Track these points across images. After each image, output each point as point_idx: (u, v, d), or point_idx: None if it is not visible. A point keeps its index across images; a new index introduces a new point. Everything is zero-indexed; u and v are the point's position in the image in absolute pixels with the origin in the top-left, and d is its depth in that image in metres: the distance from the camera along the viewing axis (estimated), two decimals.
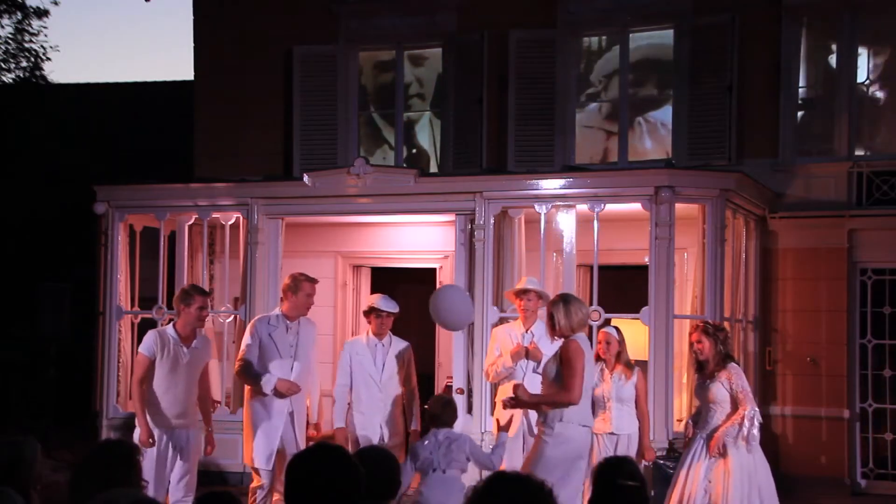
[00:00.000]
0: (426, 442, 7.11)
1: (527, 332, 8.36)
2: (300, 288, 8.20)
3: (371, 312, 8.39)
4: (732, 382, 7.45)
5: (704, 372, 7.65)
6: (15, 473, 4.61)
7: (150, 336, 7.89)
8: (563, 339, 7.06)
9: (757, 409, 7.49)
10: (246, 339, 8.29)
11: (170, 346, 7.78)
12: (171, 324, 7.98)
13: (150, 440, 7.66)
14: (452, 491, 6.90)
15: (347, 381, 8.38)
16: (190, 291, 7.97)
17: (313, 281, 8.34)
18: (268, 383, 8.04)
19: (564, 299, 7.12)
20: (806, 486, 11.08)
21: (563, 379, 6.90)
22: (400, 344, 8.51)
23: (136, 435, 7.72)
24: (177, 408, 7.80)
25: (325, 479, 3.68)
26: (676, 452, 8.32)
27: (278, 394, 8.06)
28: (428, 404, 7.63)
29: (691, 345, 7.80)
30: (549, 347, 7.77)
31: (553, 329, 7.08)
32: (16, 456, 4.70)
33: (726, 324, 10.28)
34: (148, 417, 7.74)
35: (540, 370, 7.63)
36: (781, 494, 7.73)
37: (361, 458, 4.22)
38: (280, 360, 8.13)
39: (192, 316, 7.84)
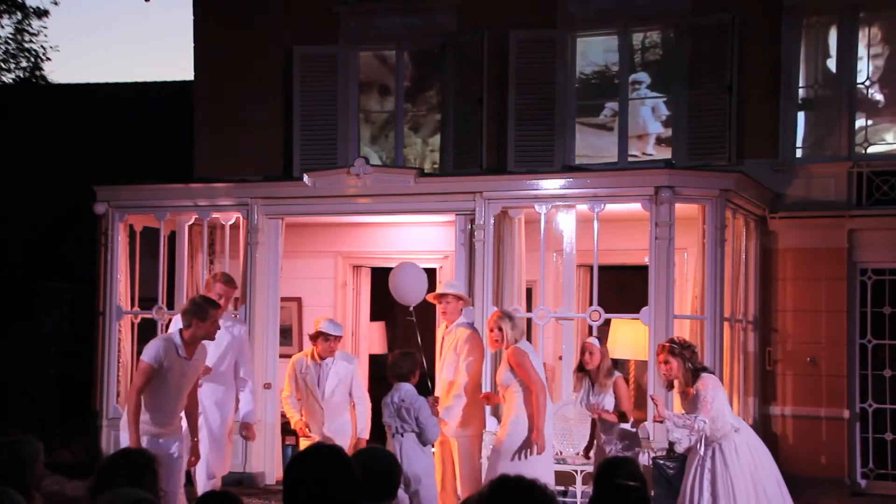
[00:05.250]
0: (384, 404, 7.65)
1: (448, 329, 8.95)
2: (214, 286, 8.44)
3: (319, 336, 8.44)
4: (702, 390, 7.44)
5: (675, 389, 7.74)
6: (16, 473, 4.61)
7: (157, 345, 7.47)
8: (506, 348, 8.06)
9: (707, 422, 7.42)
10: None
11: (173, 356, 7.42)
12: (178, 331, 7.55)
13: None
14: (411, 453, 7.45)
15: (292, 393, 8.62)
16: (205, 306, 7.57)
17: (231, 284, 8.57)
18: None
19: (509, 315, 8.19)
20: (806, 486, 11.06)
21: (523, 381, 7.91)
22: (343, 362, 8.65)
23: (124, 443, 7.46)
24: (167, 417, 7.49)
25: (322, 479, 3.69)
26: (675, 453, 8.33)
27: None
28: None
29: (658, 365, 7.84)
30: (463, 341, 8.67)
31: (500, 341, 8.07)
32: (17, 456, 4.70)
33: (726, 324, 10.31)
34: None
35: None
36: None
37: (361, 459, 4.23)
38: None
39: (203, 331, 7.50)
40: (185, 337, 7.44)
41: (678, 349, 7.63)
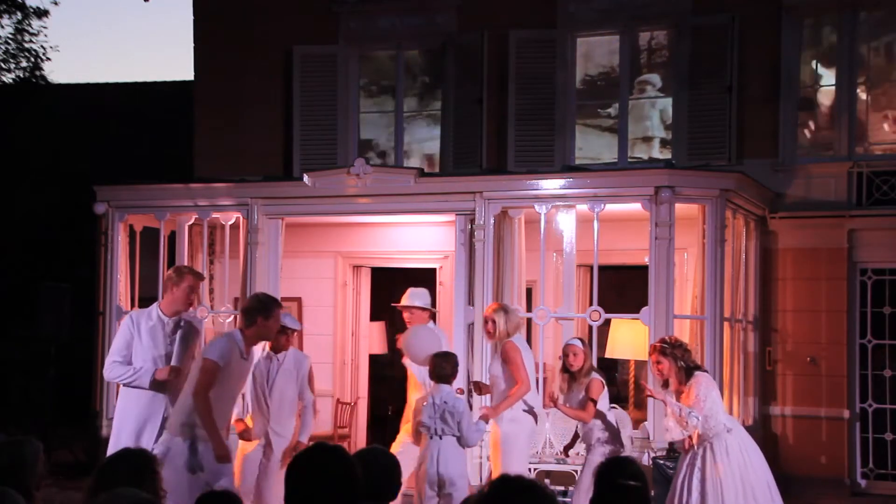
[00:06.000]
0: (426, 405, 7.55)
1: None
2: (184, 280, 7.45)
3: (280, 331, 7.96)
4: (695, 388, 7.44)
5: (670, 388, 7.71)
6: (17, 474, 4.61)
7: (223, 344, 6.93)
8: (500, 342, 8.22)
9: (700, 419, 7.38)
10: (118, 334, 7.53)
11: (236, 356, 6.95)
12: (238, 330, 7.07)
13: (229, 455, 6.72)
14: (449, 455, 7.44)
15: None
16: (269, 303, 7.15)
17: (200, 276, 7.80)
18: (143, 376, 7.25)
19: (504, 309, 8.33)
20: (806, 486, 11.09)
21: (511, 375, 8.06)
22: (296, 358, 8.25)
23: (203, 451, 6.74)
24: (222, 420, 6.96)
25: (324, 479, 3.69)
26: (676, 453, 8.33)
27: (157, 385, 7.19)
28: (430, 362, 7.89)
29: (651, 366, 7.81)
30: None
31: (492, 333, 8.22)
32: (17, 456, 4.70)
33: (726, 324, 10.31)
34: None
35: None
36: (781, 494, 7.72)
37: (362, 459, 4.23)
38: (154, 359, 7.34)
39: (268, 329, 7.12)
40: (248, 336, 7.00)
41: (669, 349, 7.63)
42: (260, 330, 7.01)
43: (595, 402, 7.90)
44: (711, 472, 7.39)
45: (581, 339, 8.38)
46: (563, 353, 8.23)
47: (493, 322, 8.20)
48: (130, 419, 7.31)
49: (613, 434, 8.00)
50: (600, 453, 7.81)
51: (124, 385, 7.37)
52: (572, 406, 8.08)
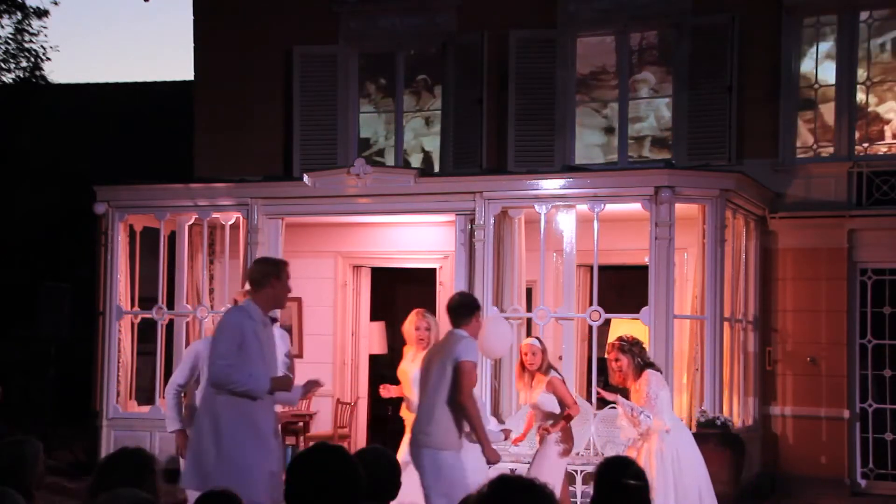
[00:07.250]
0: None
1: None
2: (282, 270, 6.81)
3: None
4: (645, 387, 7.48)
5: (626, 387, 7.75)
6: (17, 474, 4.61)
7: (473, 343, 7.00)
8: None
9: (651, 418, 7.43)
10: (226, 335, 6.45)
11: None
12: (460, 329, 7.07)
13: None
14: None
15: (184, 381, 7.62)
16: (477, 301, 7.35)
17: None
18: (262, 386, 6.37)
19: (430, 312, 8.11)
20: (806, 486, 11.09)
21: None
22: None
23: (464, 458, 6.86)
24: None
25: (326, 478, 3.69)
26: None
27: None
28: None
29: (609, 363, 7.82)
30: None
31: (426, 341, 7.91)
32: (17, 456, 4.70)
33: (726, 324, 10.32)
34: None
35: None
36: (781, 494, 7.73)
37: (361, 459, 4.23)
38: (267, 363, 6.55)
39: (479, 326, 7.22)
40: (470, 333, 7.07)
41: (627, 346, 7.71)
42: (475, 326, 7.09)
43: (571, 417, 7.94)
44: (644, 467, 7.41)
45: (538, 339, 8.29)
46: (521, 353, 8.21)
47: (427, 329, 7.97)
48: (252, 426, 6.35)
49: (567, 431, 8.02)
50: (555, 451, 7.86)
51: (233, 394, 6.28)
52: (529, 401, 8.13)
